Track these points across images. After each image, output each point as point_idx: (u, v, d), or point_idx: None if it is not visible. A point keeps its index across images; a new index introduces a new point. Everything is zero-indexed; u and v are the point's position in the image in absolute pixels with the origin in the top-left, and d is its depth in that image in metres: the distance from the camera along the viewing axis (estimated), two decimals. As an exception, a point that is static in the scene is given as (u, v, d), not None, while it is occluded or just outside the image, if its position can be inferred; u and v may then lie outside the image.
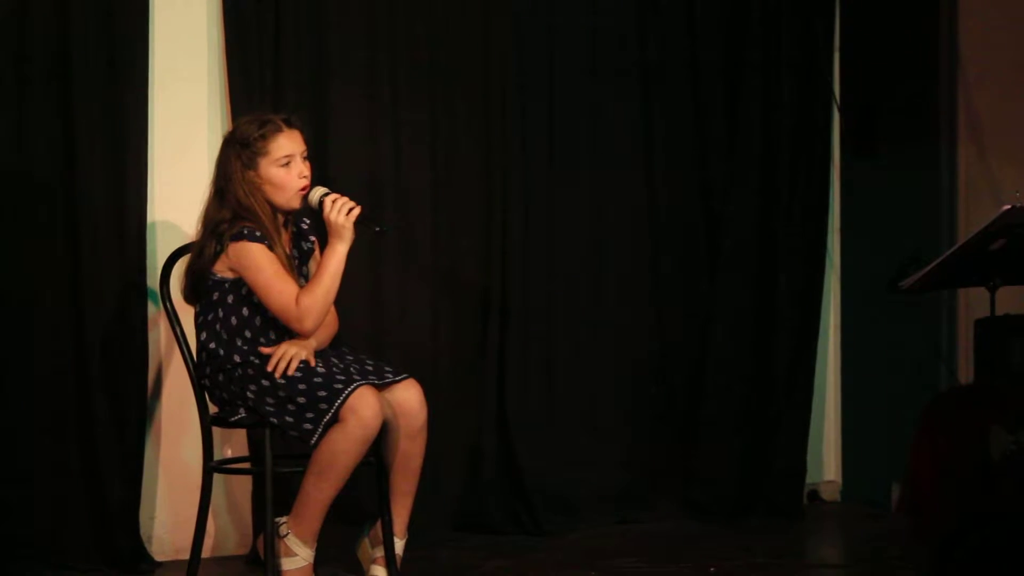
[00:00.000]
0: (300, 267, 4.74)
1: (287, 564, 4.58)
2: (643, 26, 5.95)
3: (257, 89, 5.27)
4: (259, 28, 5.30)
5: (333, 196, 4.59)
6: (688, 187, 6.03)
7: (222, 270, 4.62)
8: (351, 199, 4.60)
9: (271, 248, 4.57)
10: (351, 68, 5.46)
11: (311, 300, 4.55)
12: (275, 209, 4.65)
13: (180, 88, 5.28)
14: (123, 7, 5.13)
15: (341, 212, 4.55)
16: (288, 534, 4.59)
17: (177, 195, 5.21)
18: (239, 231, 4.57)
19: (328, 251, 4.59)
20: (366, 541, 4.79)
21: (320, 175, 5.25)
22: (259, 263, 4.56)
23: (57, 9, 5.06)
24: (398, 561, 4.73)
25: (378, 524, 4.74)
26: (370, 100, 5.50)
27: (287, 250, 4.70)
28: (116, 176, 5.13)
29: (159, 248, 5.19)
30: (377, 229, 4.62)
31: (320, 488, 4.54)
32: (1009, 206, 4.83)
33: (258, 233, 4.57)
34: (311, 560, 4.61)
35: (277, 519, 4.60)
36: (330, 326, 4.76)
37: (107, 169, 5.12)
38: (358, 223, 4.57)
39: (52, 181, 5.09)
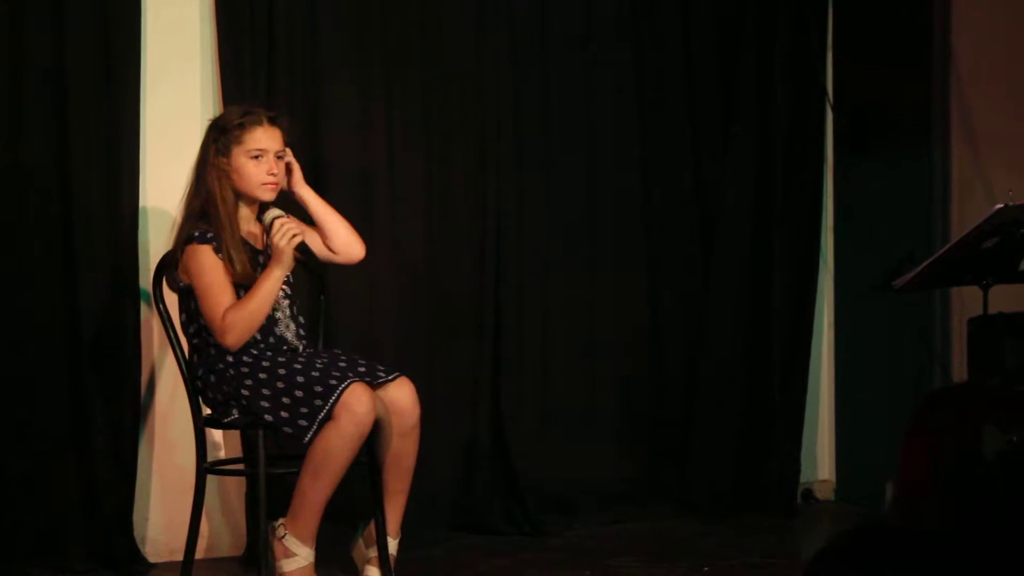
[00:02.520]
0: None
1: (287, 565, 4.57)
2: (638, 27, 5.95)
3: (249, 88, 5.26)
4: (252, 26, 5.29)
5: (282, 220, 4.61)
6: (683, 187, 6.03)
7: (183, 276, 4.65)
8: (297, 226, 4.62)
9: (218, 249, 4.57)
10: (344, 66, 5.45)
11: (236, 317, 4.55)
12: (239, 200, 4.66)
13: (172, 87, 5.27)
14: (116, 6, 5.13)
15: (284, 236, 4.56)
16: (286, 535, 4.58)
17: (170, 196, 5.19)
18: (191, 235, 4.59)
19: (265, 273, 4.60)
20: (360, 541, 4.79)
21: (313, 173, 5.25)
22: (201, 268, 4.58)
23: (51, 9, 5.05)
24: (392, 561, 4.73)
25: (372, 524, 4.74)
26: (363, 98, 5.50)
27: (257, 244, 4.71)
28: (109, 177, 5.13)
29: (152, 249, 5.19)
30: (305, 258, 4.67)
31: (316, 487, 4.53)
32: (1002, 204, 4.82)
33: (209, 235, 4.59)
34: (312, 560, 4.60)
35: (273, 522, 4.60)
36: (355, 244, 4.80)
37: (100, 170, 5.12)
38: (299, 249, 4.60)
39: (45, 182, 5.09)
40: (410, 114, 5.58)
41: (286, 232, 4.57)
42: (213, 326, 4.57)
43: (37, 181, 5.08)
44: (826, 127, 6.22)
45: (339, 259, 4.86)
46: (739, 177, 6.05)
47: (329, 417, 4.48)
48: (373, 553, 4.74)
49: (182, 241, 4.61)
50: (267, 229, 4.65)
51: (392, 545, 4.73)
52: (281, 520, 4.59)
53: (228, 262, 4.58)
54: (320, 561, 4.78)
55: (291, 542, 4.57)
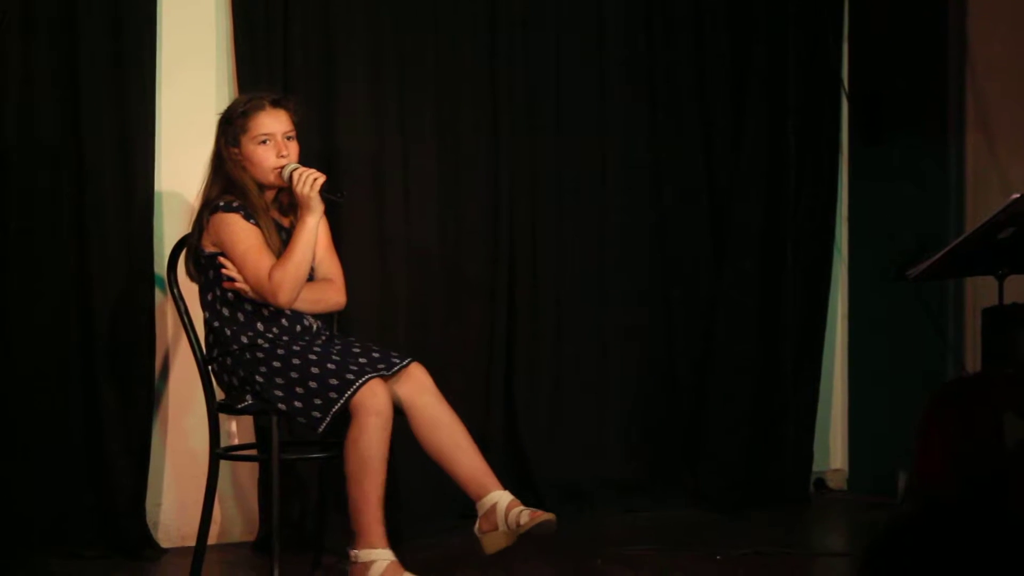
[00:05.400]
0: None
1: (375, 571, 4.45)
2: (650, 20, 5.93)
3: (265, 76, 5.25)
4: (267, 14, 5.29)
5: (300, 170, 4.59)
6: (695, 178, 6.02)
7: (208, 245, 4.62)
8: (318, 171, 4.59)
9: (251, 220, 4.57)
10: (358, 54, 5.45)
11: (282, 273, 4.54)
12: (260, 186, 4.66)
13: (187, 76, 5.27)
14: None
15: (306, 184, 4.54)
16: (357, 555, 4.46)
17: (184, 183, 5.20)
18: (216, 204, 4.58)
19: (299, 224, 4.58)
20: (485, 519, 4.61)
21: (327, 162, 5.25)
22: (234, 236, 4.56)
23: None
24: (516, 516, 4.54)
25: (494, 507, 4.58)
26: (377, 88, 5.49)
27: (284, 224, 4.70)
28: (123, 164, 5.13)
29: (166, 236, 5.19)
30: (335, 197, 4.60)
31: (363, 491, 4.44)
32: (1017, 195, 4.81)
33: (235, 204, 4.57)
34: (392, 557, 4.45)
35: (350, 551, 4.48)
36: (338, 294, 4.74)
37: (114, 157, 5.11)
38: (323, 193, 4.56)
39: (60, 170, 5.08)
40: (423, 105, 5.57)
41: (306, 179, 4.54)
42: (262, 289, 4.55)
43: (51, 170, 5.07)
44: (841, 117, 6.20)
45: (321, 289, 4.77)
46: (752, 167, 6.03)
47: (344, 411, 4.46)
48: (503, 528, 4.56)
49: (207, 210, 4.59)
50: (289, 184, 4.61)
51: (505, 497, 4.55)
52: (351, 551, 4.49)
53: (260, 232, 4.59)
54: (329, 555, 4.78)
55: (364, 555, 4.45)
